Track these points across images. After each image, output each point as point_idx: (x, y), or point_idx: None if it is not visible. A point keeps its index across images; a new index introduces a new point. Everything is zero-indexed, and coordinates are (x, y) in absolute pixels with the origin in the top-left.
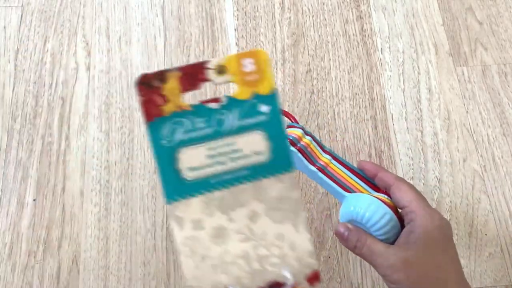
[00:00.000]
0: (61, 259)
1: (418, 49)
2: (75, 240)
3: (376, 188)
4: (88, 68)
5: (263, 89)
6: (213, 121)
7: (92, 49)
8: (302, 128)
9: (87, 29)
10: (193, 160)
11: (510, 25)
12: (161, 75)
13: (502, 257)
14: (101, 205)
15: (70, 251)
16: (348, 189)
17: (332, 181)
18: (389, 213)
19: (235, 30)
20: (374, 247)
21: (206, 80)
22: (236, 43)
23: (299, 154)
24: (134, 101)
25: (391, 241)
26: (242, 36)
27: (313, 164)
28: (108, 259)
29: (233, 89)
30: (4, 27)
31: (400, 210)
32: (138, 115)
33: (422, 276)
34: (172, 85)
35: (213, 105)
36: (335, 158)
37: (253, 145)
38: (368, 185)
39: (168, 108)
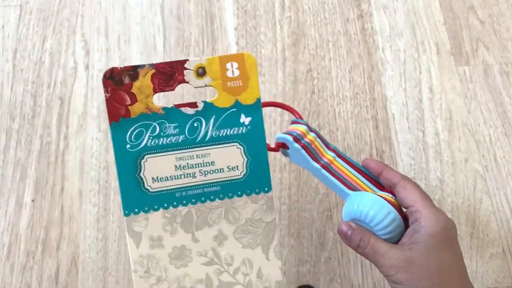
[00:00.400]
0: (60, 260)
1: (420, 48)
2: (74, 240)
3: (381, 187)
4: (87, 68)
5: (247, 98)
6: (186, 128)
7: (91, 48)
8: (307, 125)
9: (86, 28)
10: (158, 170)
11: None
12: (132, 71)
13: (504, 258)
14: (100, 205)
15: (69, 252)
16: (352, 187)
17: (336, 178)
18: (393, 212)
19: (235, 29)
20: (377, 246)
21: (183, 81)
22: (236, 42)
23: (303, 151)
24: None
25: (395, 240)
26: (242, 35)
27: (317, 161)
28: (107, 260)
29: (212, 95)
30: (3, 26)
31: (404, 210)
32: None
33: (425, 277)
34: (143, 83)
35: (188, 110)
36: (340, 155)
37: (228, 159)
38: (373, 183)
39: (137, 108)
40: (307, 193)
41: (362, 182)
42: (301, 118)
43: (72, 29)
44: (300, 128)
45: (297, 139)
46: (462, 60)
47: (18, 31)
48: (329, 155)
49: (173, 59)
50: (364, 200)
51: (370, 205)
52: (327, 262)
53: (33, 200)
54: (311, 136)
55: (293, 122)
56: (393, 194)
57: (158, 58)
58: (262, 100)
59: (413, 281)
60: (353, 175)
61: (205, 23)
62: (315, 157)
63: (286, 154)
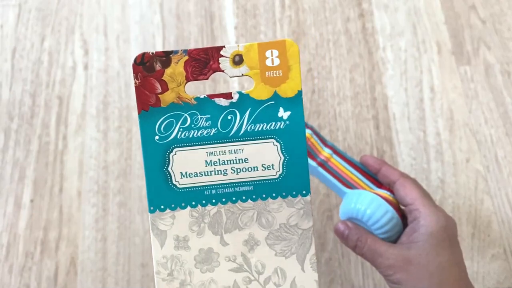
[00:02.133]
0: (59, 260)
1: (421, 48)
2: (73, 241)
3: (379, 184)
4: (86, 67)
5: (287, 90)
6: (219, 121)
7: (89, 47)
8: None
9: (84, 27)
10: (188, 164)
11: None
12: (164, 57)
13: (506, 258)
14: (99, 206)
15: (67, 253)
16: (349, 185)
17: (333, 176)
18: (391, 211)
19: (235, 28)
20: (375, 246)
21: (218, 69)
22: (235, 42)
23: None
24: (132, 100)
25: (393, 239)
26: (242, 34)
27: (314, 159)
28: (106, 260)
29: (248, 85)
30: (1, 26)
31: (404, 208)
32: (136, 115)
33: (424, 277)
34: (176, 70)
35: (221, 102)
36: (337, 152)
37: (263, 157)
38: (371, 181)
39: (168, 98)
40: None
41: (360, 179)
42: None
43: (71, 29)
44: None
45: None
46: (463, 59)
47: (16, 30)
48: (325, 152)
49: None
50: (362, 198)
51: (368, 204)
52: (328, 263)
53: (31, 201)
54: (307, 133)
55: None
56: (391, 192)
57: None
58: None
59: (411, 281)
60: (351, 172)
61: (204, 22)
62: (311, 154)
63: None
